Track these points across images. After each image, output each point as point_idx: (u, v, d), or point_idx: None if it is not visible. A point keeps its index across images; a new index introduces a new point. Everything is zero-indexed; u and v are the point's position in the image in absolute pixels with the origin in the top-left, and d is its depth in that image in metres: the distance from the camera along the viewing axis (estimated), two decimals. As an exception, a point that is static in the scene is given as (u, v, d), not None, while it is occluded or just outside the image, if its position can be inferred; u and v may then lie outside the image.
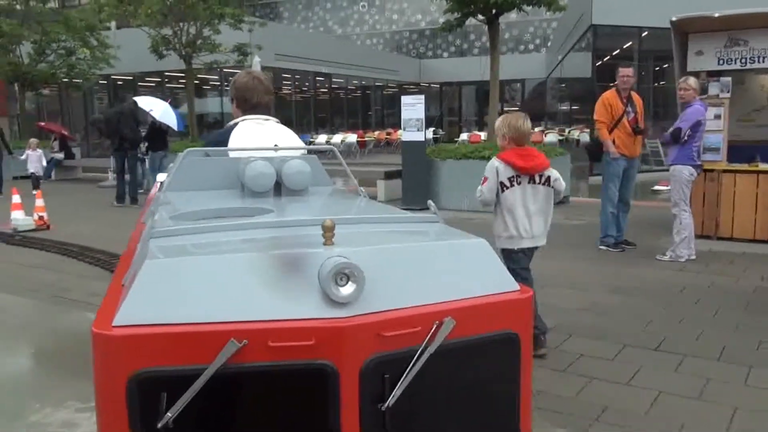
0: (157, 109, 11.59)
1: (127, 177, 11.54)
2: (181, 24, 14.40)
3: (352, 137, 25.64)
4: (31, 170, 14.83)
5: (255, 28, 16.45)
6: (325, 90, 32.40)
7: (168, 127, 11.76)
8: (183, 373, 1.23)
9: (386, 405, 1.32)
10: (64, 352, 4.43)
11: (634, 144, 7.10)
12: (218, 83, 27.88)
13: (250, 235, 1.63)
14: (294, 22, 45.01)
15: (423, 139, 10.79)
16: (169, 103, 12.18)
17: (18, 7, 19.27)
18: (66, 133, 18.38)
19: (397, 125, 35.60)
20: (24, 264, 7.24)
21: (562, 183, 3.99)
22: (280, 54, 24.65)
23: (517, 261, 3.93)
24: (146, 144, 11.99)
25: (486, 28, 11.13)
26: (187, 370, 1.23)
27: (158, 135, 11.96)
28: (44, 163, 15.59)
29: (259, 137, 2.83)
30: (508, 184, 3.87)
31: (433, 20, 47.43)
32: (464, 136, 25.86)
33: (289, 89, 29.60)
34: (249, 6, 36.07)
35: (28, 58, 19.33)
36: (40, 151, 15.24)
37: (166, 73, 27.36)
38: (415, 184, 10.71)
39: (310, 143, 26.49)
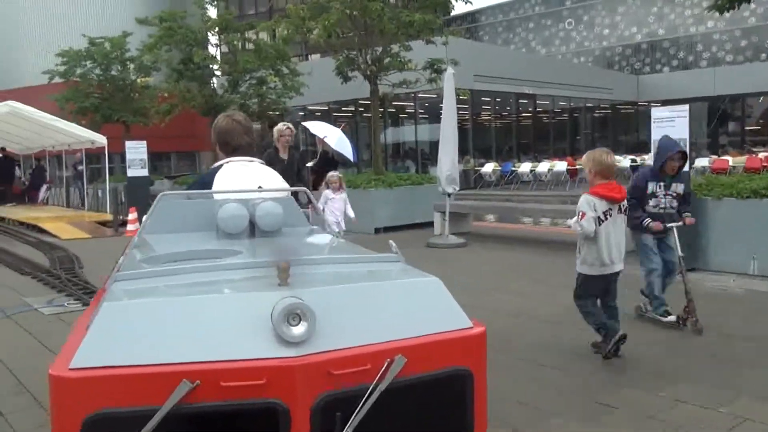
0: (332, 136, 9.53)
1: None
2: (363, 35, 12.46)
3: (561, 165, 22.14)
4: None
5: (449, 40, 14.15)
6: (529, 113, 29.28)
7: (343, 158, 9.65)
8: (137, 414, 1.27)
9: None
10: None
11: None
12: (413, 109, 26.28)
13: (210, 277, 1.68)
14: (494, 44, 42.67)
15: (687, 169, 7.38)
16: (342, 130, 10.10)
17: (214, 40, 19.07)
18: (253, 165, 17.54)
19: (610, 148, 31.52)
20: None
21: None
22: (479, 75, 22.33)
23: (597, 285, 4.30)
24: (314, 178, 10.04)
25: None
26: (142, 411, 1.27)
27: (329, 166, 9.92)
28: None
29: (243, 179, 2.86)
30: (603, 217, 4.18)
31: (650, 32, 42.38)
32: (704, 161, 21.01)
33: (488, 114, 27.03)
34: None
35: (221, 89, 19.03)
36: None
37: (361, 102, 26.46)
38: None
39: (512, 173, 23.54)
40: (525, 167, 23.18)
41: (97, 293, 2.12)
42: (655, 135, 7.50)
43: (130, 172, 13.41)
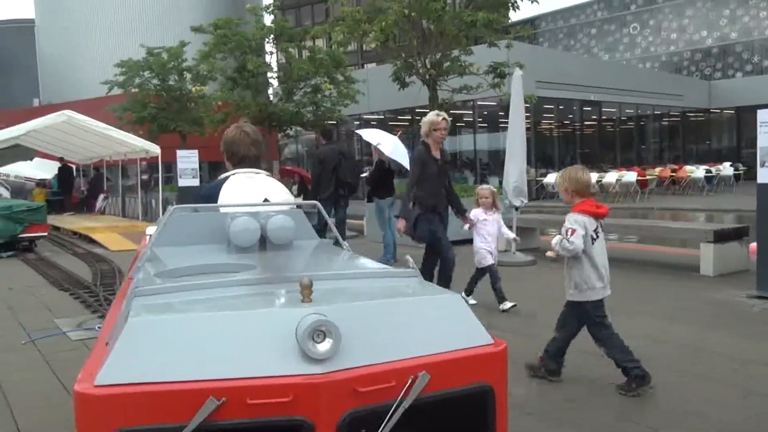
0: (386, 144, 8.83)
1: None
2: (422, 37, 11.73)
3: (630, 176, 20.80)
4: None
5: (510, 45, 13.32)
6: (593, 121, 27.94)
7: (399, 166, 8.93)
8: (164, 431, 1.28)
9: None
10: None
11: None
12: (471, 117, 25.40)
13: (231, 292, 1.67)
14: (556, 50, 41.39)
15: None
16: (399, 137, 9.37)
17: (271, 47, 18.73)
18: (306, 175, 17.02)
19: (679, 159, 29.91)
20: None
21: None
22: (541, 81, 21.30)
23: (601, 309, 4.04)
24: (369, 188, 9.36)
25: None
26: (168, 428, 1.28)
27: (386, 177, 9.22)
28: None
29: (249, 191, 2.85)
30: (594, 235, 3.94)
31: (722, 35, 40.26)
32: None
33: (551, 121, 25.87)
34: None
35: (276, 98, 18.66)
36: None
37: (418, 110, 25.77)
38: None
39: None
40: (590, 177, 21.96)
41: (112, 306, 2.07)
42: (763, 140, 6.49)
43: (181, 182, 13.07)
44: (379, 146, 8.65)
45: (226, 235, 2.34)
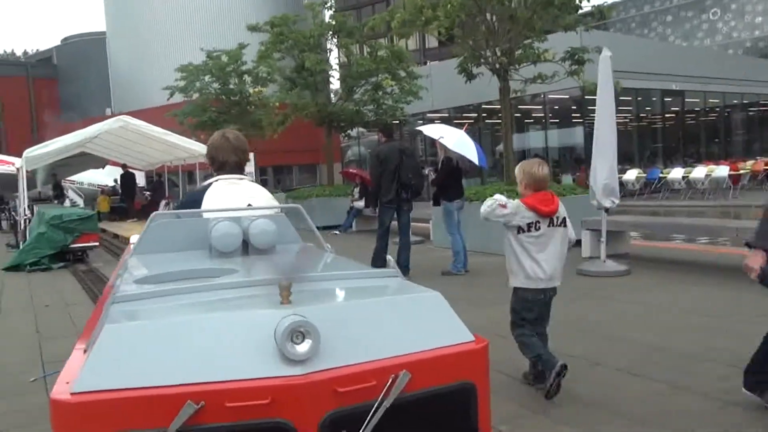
0: (449, 137, 7.81)
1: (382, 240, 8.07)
2: (491, 22, 10.64)
3: (721, 170, 18.94)
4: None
5: (583, 32, 12.07)
6: (675, 112, 25.96)
7: (467, 162, 7.92)
8: None
9: None
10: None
11: None
12: (540, 113, 24.00)
13: (210, 296, 1.67)
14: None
15: None
16: (465, 131, 8.32)
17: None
18: (367, 178, 16.19)
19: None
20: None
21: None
22: (618, 71, 19.70)
23: (532, 301, 4.04)
24: (436, 190, 8.38)
25: None
26: None
27: (454, 175, 8.21)
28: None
29: (232, 197, 2.89)
30: (525, 228, 3.94)
31: (815, 17, 37.08)
32: None
33: (628, 113, 24.11)
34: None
35: (335, 97, 17.93)
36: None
37: (484, 107, 24.58)
38: None
39: (661, 179, 20.59)
40: (676, 173, 20.13)
41: (93, 314, 2.07)
42: None
43: (237, 187, 12.43)
44: (441, 140, 7.65)
45: (209, 240, 2.34)
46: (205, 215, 2.62)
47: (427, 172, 9.29)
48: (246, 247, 2.36)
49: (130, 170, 20.36)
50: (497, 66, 11.18)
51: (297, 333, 1.35)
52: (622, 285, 7.23)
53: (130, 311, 1.54)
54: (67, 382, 1.32)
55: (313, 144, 30.73)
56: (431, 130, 7.94)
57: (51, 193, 17.92)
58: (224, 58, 20.80)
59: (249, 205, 2.72)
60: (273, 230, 2.35)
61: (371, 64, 16.26)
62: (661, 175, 20.65)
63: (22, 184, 13.08)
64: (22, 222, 12.40)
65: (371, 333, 1.49)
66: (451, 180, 8.11)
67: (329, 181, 18.28)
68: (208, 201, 2.89)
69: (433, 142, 10.16)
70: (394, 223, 8.28)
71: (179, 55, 23.01)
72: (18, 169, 13.07)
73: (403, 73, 16.92)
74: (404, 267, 7.98)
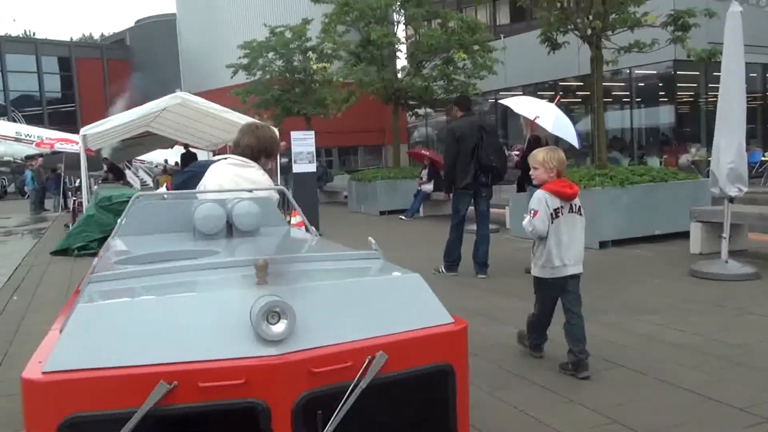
0: (546, 117, 6.55)
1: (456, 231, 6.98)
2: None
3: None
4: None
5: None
6: (778, 89, 23.39)
7: (563, 144, 6.69)
8: (114, 417, 1.25)
9: None
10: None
11: None
12: (625, 90, 22.08)
13: (186, 277, 1.67)
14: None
15: None
16: (557, 105, 7.01)
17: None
18: (437, 159, 15.02)
19: None
20: None
21: None
22: (715, 42, 17.73)
23: (550, 289, 4.06)
24: (520, 173, 7.14)
25: None
26: (119, 414, 1.25)
27: (544, 159, 6.98)
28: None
29: (229, 177, 2.93)
30: (554, 215, 3.97)
31: None
32: None
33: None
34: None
35: (403, 73, 16.78)
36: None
37: (561, 84, 22.87)
38: None
39: (763, 164, 18.52)
40: (780, 156, 18.04)
41: (72, 295, 2.01)
42: None
43: (296, 168, 11.55)
44: (537, 120, 6.41)
45: (193, 222, 2.35)
46: (208, 196, 2.61)
47: (510, 153, 8.08)
48: (230, 229, 2.36)
49: (192, 150, 19.92)
50: (588, 32, 9.77)
51: (272, 313, 1.34)
52: (755, 292, 5.87)
53: (105, 291, 1.54)
54: (40, 362, 1.31)
55: (378, 124, 29.83)
56: (521, 107, 6.68)
57: (103, 174, 17.59)
58: (288, 34, 20.01)
59: (249, 188, 2.78)
60: (256, 212, 2.35)
61: (442, 36, 15.01)
62: (763, 158, 18.63)
63: (83, 162, 12.68)
64: (71, 202, 11.90)
65: (348, 314, 1.48)
66: (539, 162, 6.86)
67: (395, 162, 17.24)
68: (207, 178, 2.95)
69: (508, 119, 8.86)
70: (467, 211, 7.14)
71: (247, 34, 22.32)
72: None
73: (476, 46, 15.58)
74: (482, 264, 6.84)
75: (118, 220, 2.61)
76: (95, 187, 14.04)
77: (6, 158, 31.63)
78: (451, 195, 6.94)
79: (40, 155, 24.90)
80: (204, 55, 43.50)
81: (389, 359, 1.41)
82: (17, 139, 31.12)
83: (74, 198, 11.85)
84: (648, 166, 13.63)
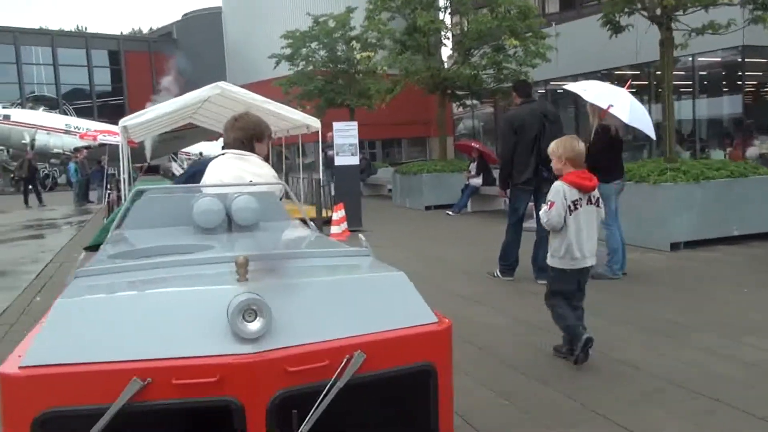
0: (621, 106, 5.75)
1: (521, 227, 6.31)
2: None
3: None
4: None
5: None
6: None
7: (647, 137, 5.91)
8: (88, 413, 1.25)
9: None
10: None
11: None
12: (687, 80, 20.80)
13: (171, 272, 1.65)
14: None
15: None
16: (628, 90, 6.18)
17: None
18: (487, 152, 14.26)
19: None
20: None
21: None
22: None
23: (569, 281, 4.05)
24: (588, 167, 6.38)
25: None
26: (94, 410, 1.25)
27: (614, 149, 6.21)
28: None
29: (230, 171, 2.95)
30: (572, 207, 3.97)
31: None
32: None
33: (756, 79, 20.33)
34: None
35: (450, 61, 16.05)
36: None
37: (616, 73, 21.72)
38: None
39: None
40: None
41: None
42: None
43: (338, 160, 11.01)
44: (611, 109, 5.64)
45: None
46: (212, 190, 2.59)
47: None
48: (230, 223, 2.36)
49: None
50: (658, 12, 8.90)
51: (249, 311, 1.32)
52: None
53: (87, 286, 1.54)
54: (19, 356, 1.32)
55: (422, 116, 29.12)
56: (592, 93, 5.87)
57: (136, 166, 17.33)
58: (331, 23, 19.50)
59: (250, 181, 2.77)
60: (255, 207, 2.33)
61: (492, 22, 14.22)
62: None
63: (122, 154, 12.45)
64: (106, 196, 11.63)
65: (327, 312, 1.46)
66: (610, 154, 6.07)
67: (441, 155, 16.53)
68: (209, 172, 2.97)
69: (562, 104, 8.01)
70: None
71: (291, 24, 21.91)
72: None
73: (528, 33, 14.73)
74: (542, 268, 6.13)
75: (119, 213, 2.61)
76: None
77: (56, 150, 32.13)
78: (508, 191, 6.25)
79: (88, 147, 25.11)
80: (249, 48, 43.47)
81: (369, 358, 1.40)
82: (67, 131, 31.62)
83: (108, 191, 11.54)
84: (722, 159, 12.61)
